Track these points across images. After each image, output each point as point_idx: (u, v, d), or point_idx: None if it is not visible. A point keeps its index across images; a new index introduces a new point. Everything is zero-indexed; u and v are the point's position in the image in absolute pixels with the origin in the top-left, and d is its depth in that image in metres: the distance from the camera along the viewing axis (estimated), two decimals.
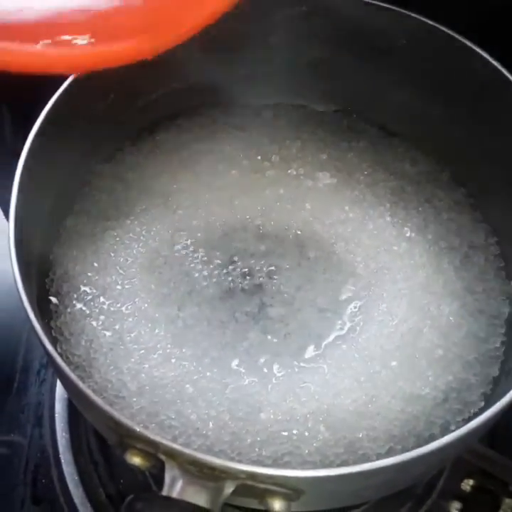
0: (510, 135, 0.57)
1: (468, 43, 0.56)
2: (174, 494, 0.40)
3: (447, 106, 0.62)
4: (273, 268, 0.59)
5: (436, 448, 0.42)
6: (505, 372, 0.55)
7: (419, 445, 0.49)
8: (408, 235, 0.60)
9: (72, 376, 0.43)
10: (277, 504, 0.41)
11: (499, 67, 0.55)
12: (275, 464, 0.50)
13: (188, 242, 0.60)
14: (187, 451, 0.40)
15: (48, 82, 0.54)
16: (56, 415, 0.67)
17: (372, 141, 0.66)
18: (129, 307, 0.56)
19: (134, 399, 0.52)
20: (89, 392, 0.43)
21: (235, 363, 0.54)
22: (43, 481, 0.65)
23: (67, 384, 0.46)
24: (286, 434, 0.51)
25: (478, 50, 0.56)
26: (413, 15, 0.57)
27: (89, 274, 0.58)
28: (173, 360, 0.54)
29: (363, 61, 0.63)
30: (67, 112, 0.55)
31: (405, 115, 0.65)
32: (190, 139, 0.66)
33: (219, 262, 0.59)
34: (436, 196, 0.63)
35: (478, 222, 0.62)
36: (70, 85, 0.55)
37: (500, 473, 0.62)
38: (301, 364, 0.54)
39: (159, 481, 0.41)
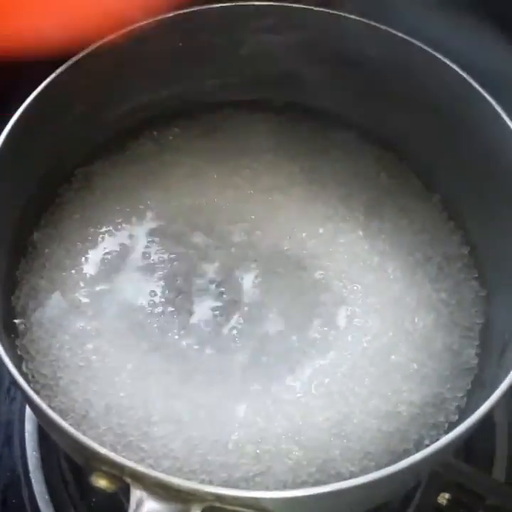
0: (481, 146, 0.57)
1: (441, 57, 0.55)
2: None
3: (420, 117, 0.62)
4: (241, 283, 0.57)
5: (410, 464, 0.41)
6: (478, 384, 0.54)
7: (394, 461, 0.49)
8: (381, 248, 0.59)
9: (36, 398, 0.42)
10: None
11: (469, 80, 0.54)
12: (247, 484, 0.49)
13: (158, 256, 0.59)
14: (152, 473, 0.39)
15: (12, 95, 0.53)
16: (26, 434, 0.66)
17: (345, 151, 0.65)
18: (97, 326, 0.55)
19: (101, 419, 0.51)
20: (53, 414, 0.42)
21: (203, 382, 0.53)
22: (13, 500, 0.63)
23: (32, 406, 0.45)
24: (257, 454, 0.50)
25: (449, 63, 0.55)
26: (383, 27, 0.56)
27: (56, 291, 0.57)
28: (140, 380, 0.53)
29: (334, 72, 0.62)
30: (32, 125, 0.54)
31: (379, 125, 0.65)
32: (159, 151, 0.64)
33: (190, 275, 0.58)
34: (410, 206, 0.62)
35: (452, 233, 0.61)
36: (35, 98, 0.54)
37: (476, 486, 0.61)
38: (273, 382, 0.53)
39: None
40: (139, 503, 0.39)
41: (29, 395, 0.43)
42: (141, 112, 0.65)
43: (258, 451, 0.51)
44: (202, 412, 0.52)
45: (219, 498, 0.39)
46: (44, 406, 0.42)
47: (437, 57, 0.56)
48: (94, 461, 0.41)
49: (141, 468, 0.39)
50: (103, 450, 0.40)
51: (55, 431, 0.44)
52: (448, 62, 0.55)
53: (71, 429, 0.41)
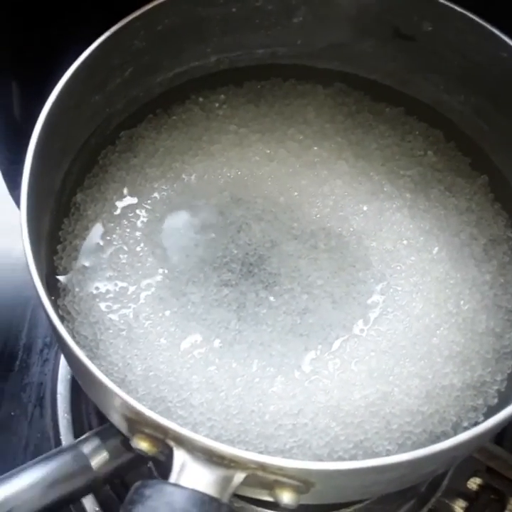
0: None
1: (496, 31, 0.54)
2: (183, 482, 0.39)
3: (470, 94, 0.61)
4: (285, 258, 0.57)
5: (450, 446, 0.41)
6: None
7: (432, 443, 0.49)
8: (427, 227, 0.58)
9: (81, 355, 0.42)
10: (286, 496, 0.40)
11: None
12: (283, 456, 0.49)
13: (200, 225, 0.58)
14: (197, 437, 0.39)
15: (58, 57, 0.52)
16: (58, 396, 0.66)
17: (393, 126, 0.63)
18: (139, 289, 0.55)
19: (140, 384, 0.51)
20: (98, 372, 0.41)
21: (245, 353, 0.53)
22: None
23: (75, 363, 0.45)
24: (294, 427, 0.50)
25: (505, 38, 0.54)
26: (441, 0, 0.55)
27: (99, 252, 0.56)
28: (181, 347, 0.53)
29: (386, 46, 0.61)
30: (80, 88, 0.54)
31: (428, 101, 0.64)
32: (205, 118, 0.63)
33: (232, 247, 0.57)
34: (457, 186, 0.61)
35: (498, 215, 0.60)
36: (87, 58, 0.53)
37: (508, 471, 0.61)
38: (312, 357, 0.53)
39: (162, 470, 0.40)
40: (183, 466, 0.39)
41: (73, 351, 0.43)
42: (188, 76, 0.64)
43: (295, 423, 0.50)
44: (240, 381, 0.52)
45: (263, 466, 0.39)
46: (89, 363, 0.42)
47: (495, 34, 0.54)
48: (137, 423, 0.41)
49: (185, 431, 0.39)
50: (148, 412, 0.40)
51: (98, 391, 0.44)
52: (506, 38, 0.54)
53: (117, 389, 0.40)
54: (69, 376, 0.66)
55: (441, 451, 0.41)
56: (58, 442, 0.64)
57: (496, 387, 0.53)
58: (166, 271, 0.56)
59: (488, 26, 0.54)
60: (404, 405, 0.51)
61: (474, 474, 0.62)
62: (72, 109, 0.54)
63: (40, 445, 0.66)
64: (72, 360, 0.45)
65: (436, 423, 0.51)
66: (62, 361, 0.67)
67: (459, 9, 0.55)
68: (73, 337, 0.53)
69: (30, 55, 0.67)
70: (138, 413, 0.40)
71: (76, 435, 0.63)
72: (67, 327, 0.53)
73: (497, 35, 0.54)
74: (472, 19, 0.54)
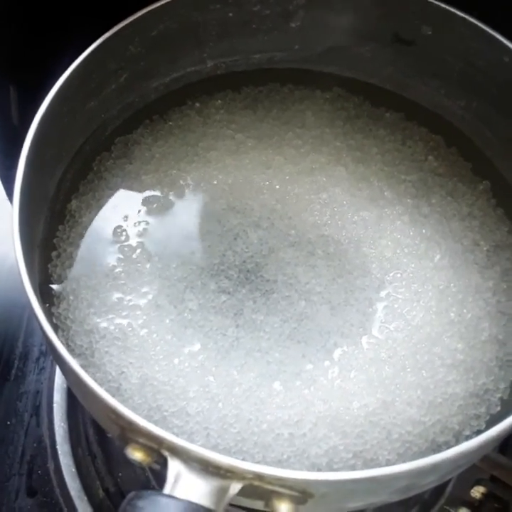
0: None
1: (498, 36, 0.53)
2: (177, 493, 0.38)
3: (472, 99, 0.60)
4: (282, 265, 0.56)
5: (452, 456, 0.40)
6: None
7: (433, 452, 0.48)
8: (428, 234, 0.57)
9: (74, 364, 0.41)
10: (284, 507, 0.39)
11: None
12: (281, 466, 0.48)
13: (196, 232, 0.57)
14: (192, 447, 0.38)
15: (56, 62, 0.52)
16: (54, 405, 0.65)
17: (393, 131, 0.62)
18: (136, 297, 0.54)
19: (135, 392, 0.50)
20: (91, 381, 0.41)
21: (242, 361, 0.52)
22: (39, 472, 0.63)
23: (68, 372, 0.44)
24: (292, 436, 0.49)
25: (507, 43, 0.53)
26: (441, 5, 0.54)
27: (93, 260, 0.56)
28: (178, 355, 0.52)
29: (385, 51, 0.60)
30: (74, 95, 0.53)
31: (428, 106, 0.63)
32: (202, 123, 0.63)
33: (229, 254, 0.57)
34: (458, 192, 0.60)
35: (500, 220, 0.59)
36: (80, 64, 0.53)
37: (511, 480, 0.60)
38: (310, 365, 0.52)
39: (160, 478, 0.39)
40: (178, 477, 0.38)
41: (67, 361, 0.42)
42: (185, 82, 0.63)
43: (293, 433, 0.49)
44: (238, 390, 0.51)
45: (260, 476, 0.38)
46: (82, 373, 0.41)
47: (497, 38, 0.54)
48: (131, 432, 0.40)
49: (180, 441, 0.38)
50: (143, 421, 0.39)
51: (92, 401, 0.43)
52: (508, 43, 0.53)
53: (111, 399, 0.40)
54: (65, 385, 0.65)
55: (443, 461, 0.40)
56: (54, 452, 0.63)
57: (498, 395, 0.52)
58: (164, 278, 0.55)
59: (490, 31, 0.53)
60: (405, 415, 0.50)
61: (478, 483, 0.61)
62: (65, 116, 0.54)
63: (37, 454, 0.65)
64: (65, 369, 0.44)
65: (438, 432, 0.50)
66: (59, 370, 0.66)
67: (460, 13, 0.54)
68: (68, 345, 0.52)
69: (29, 59, 0.67)
70: (131, 423, 0.39)
71: (72, 445, 0.63)
72: (61, 336, 0.53)
73: (499, 40, 0.53)
74: (474, 24, 0.53)
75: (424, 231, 0.58)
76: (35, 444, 0.65)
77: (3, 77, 0.66)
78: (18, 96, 0.71)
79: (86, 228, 0.57)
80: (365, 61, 0.63)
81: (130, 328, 0.53)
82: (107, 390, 0.48)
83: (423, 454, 0.50)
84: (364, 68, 0.63)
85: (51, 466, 0.62)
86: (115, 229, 0.57)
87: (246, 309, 0.54)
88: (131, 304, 0.54)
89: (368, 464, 0.49)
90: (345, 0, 0.57)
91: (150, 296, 0.54)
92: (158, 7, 0.55)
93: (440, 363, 0.52)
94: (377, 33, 0.60)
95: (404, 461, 0.45)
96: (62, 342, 0.49)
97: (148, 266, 0.55)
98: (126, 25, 0.54)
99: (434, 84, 0.61)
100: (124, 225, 0.57)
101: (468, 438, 0.50)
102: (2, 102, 0.69)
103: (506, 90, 0.56)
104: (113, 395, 0.48)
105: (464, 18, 0.54)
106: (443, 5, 0.55)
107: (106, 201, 0.59)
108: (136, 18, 0.54)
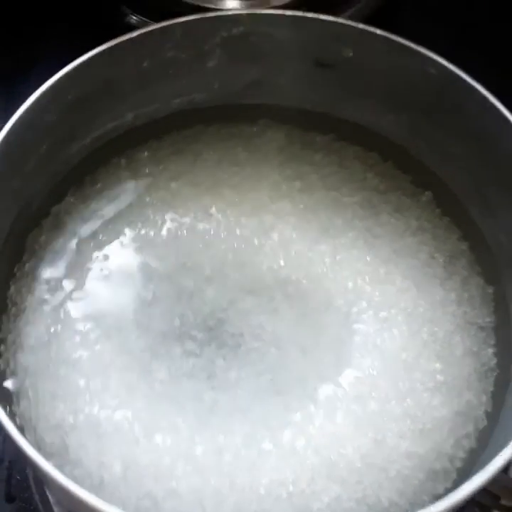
0: (469, 139, 0.55)
1: (421, 49, 0.53)
2: None
3: (400, 112, 0.59)
4: (244, 315, 0.54)
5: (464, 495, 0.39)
6: (501, 386, 0.53)
7: (432, 481, 0.47)
8: (384, 256, 0.56)
9: (60, 478, 0.39)
10: None
11: (457, 71, 0.52)
12: None
13: (150, 294, 0.55)
14: None
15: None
16: None
17: (327, 154, 0.61)
18: (102, 378, 0.51)
19: (120, 482, 0.47)
20: (67, 482, 0.38)
21: (225, 425, 0.50)
22: (18, 477, 0.59)
23: (46, 478, 0.41)
24: (292, 494, 0.47)
25: (431, 54, 0.53)
26: (359, 25, 0.53)
27: (47, 346, 0.52)
28: (157, 431, 0.49)
29: (307, 77, 0.59)
30: None
31: (358, 123, 0.62)
32: (132, 179, 0.60)
33: (188, 314, 0.54)
34: (403, 206, 0.59)
35: (449, 229, 0.59)
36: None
37: (491, 485, 0.59)
38: (295, 415, 0.50)
39: None
40: None
41: (52, 475, 0.39)
42: (106, 139, 0.60)
43: (292, 491, 0.48)
44: (227, 457, 0.49)
45: None
46: (71, 486, 0.38)
47: (420, 52, 0.53)
48: None
49: None
50: None
51: (76, 505, 0.40)
52: (432, 54, 0.53)
53: (91, 499, 0.37)
54: None
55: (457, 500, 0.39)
56: None
57: (483, 409, 0.52)
58: (127, 353, 0.52)
59: (413, 45, 0.52)
60: (399, 449, 0.49)
61: None
62: None
63: (16, 460, 0.60)
64: (42, 475, 0.41)
65: (434, 459, 0.50)
66: None
67: (379, 32, 0.53)
68: (38, 447, 0.49)
69: None
70: None
71: None
72: (29, 437, 0.49)
73: (422, 53, 0.52)
74: (396, 40, 0.52)
75: (380, 253, 0.57)
76: (14, 450, 0.61)
77: None
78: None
79: (31, 313, 0.54)
80: (287, 89, 0.61)
81: (102, 413, 0.50)
82: (89, 488, 0.46)
83: (423, 485, 0.49)
84: (288, 96, 0.61)
85: (30, 472, 0.58)
86: (56, 310, 0.53)
87: (217, 369, 0.52)
88: (98, 387, 0.51)
89: (372, 509, 0.47)
90: (261, 33, 0.55)
91: (116, 375, 0.51)
92: (71, 71, 0.52)
93: (423, 388, 0.51)
94: (297, 62, 0.58)
95: (406, 498, 0.45)
96: (32, 444, 0.47)
97: (108, 344, 0.52)
98: (41, 95, 0.51)
99: (362, 103, 0.60)
100: (71, 304, 0.54)
101: (463, 460, 0.50)
102: None
103: (435, 101, 0.56)
104: (96, 492, 0.46)
105: (385, 36, 0.53)
106: (361, 25, 0.54)
107: (47, 280, 0.55)
108: (50, 86, 0.51)
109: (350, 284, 0.55)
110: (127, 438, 0.49)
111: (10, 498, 0.58)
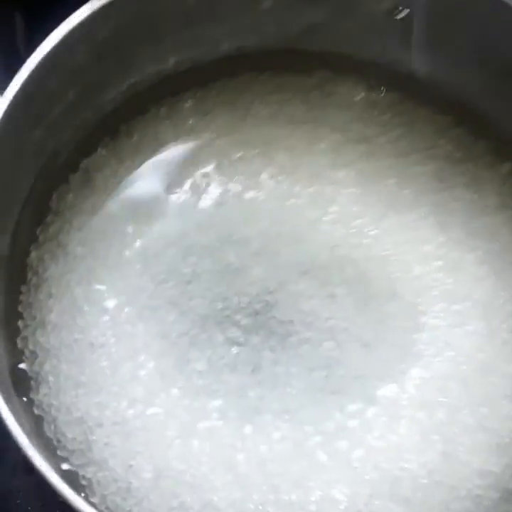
0: None
1: None
2: None
3: (483, 72, 0.50)
4: (295, 300, 0.47)
5: None
6: None
7: (505, 501, 0.42)
8: (460, 237, 0.49)
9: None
10: None
11: None
12: None
13: (190, 270, 0.48)
14: None
15: None
16: None
17: (394, 114, 0.53)
18: (133, 367, 0.45)
19: (150, 490, 0.42)
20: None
21: (271, 428, 0.44)
22: None
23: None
24: None
25: None
26: None
27: (71, 325, 0.46)
28: (194, 434, 0.43)
29: (376, 24, 0.51)
30: (16, 126, 0.42)
31: (428, 82, 0.53)
32: (173, 132, 0.52)
33: (231, 295, 0.48)
34: (482, 177, 0.51)
35: None
36: (18, 90, 0.42)
37: None
38: (352, 420, 0.44)
39: None
40: None
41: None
42: (145, 86, 0.52)
43: (347, 508, 0.42)
44: (272, 467, 0.43)
45: None
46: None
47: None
48: None
49: None
50: None
51: None
52: None
53: None
54: None
55: None
56: None
57: None
58: (162, 337, 0.46)
59: None
60: (472, 466, 0.43)
61: None
62: (13, 150, 0.43)
63: None
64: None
65: (509, 478, 0.43)
66: None
67: None
68: (58, 441, 0.43)
69: None
70: None
71: None
72: (48, 429, 0.43)
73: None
74: None
75: (454, 235, 0.49)
76: None
77: (7, 3, 0.59)
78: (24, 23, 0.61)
79: (55, 285, 0.47)
80: (353, 36, 0.52)
81: (131, 409, 0.44)
82: (115, 493, 0.40)
83: (497, 506, 0.43)
84: (353, 44, 0.53)
85: None
86: (90, 283, 0.47)
87: (264, 361, 0.46)
88: (127, 376, 0.44)
89: None
90: None
91: (150, 364, 0.45)
92: (106, 4, 0.44)
93: (501, 395, 0.45)
94: (367, 3, 0.50)
95: None
96: (50, 438, 0.41)
97: (140, 326, 0.46)
98: (68, 33, 0.43)
99: (435, 56, 0.51)
100: (98, 280, 0.47)
101: None
102: (7, 29, 0.60)
103: None
104: (124, 496, 0.40)
105: None
106: None
107: (74, 247, 0.48)
108: (80, 22, 0.43)
109: (417, 269, 0.48)
110: (160, 439, 0.43)
111: (29, 470, 0.53)
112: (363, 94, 0.54)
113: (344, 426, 0.44)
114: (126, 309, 0.46)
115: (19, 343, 0.45)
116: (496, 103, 0.52)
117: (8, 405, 0.36)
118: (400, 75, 0.53)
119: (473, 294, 0.47)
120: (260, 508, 0.41)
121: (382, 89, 0.54)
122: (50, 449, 0.42)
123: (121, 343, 0.45)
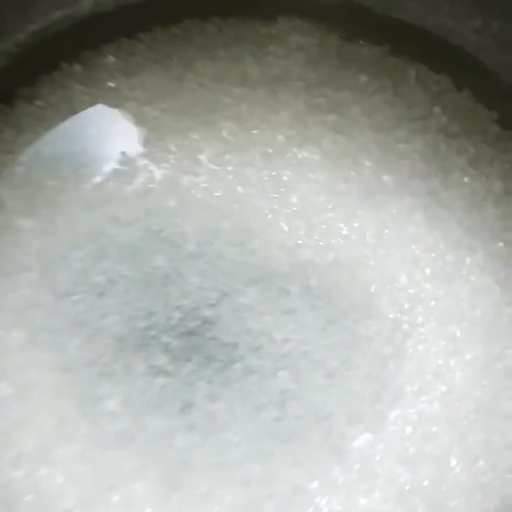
0: None
1: None
2: None
3: (491, 16, 0.42)
4: (242, 316, 0.39)
5: None
6: None
7: None
8: (456, 236, 0.41)
9: None
10: None
11: None
12: None
13: (105, 277, 0.39)
14: None
15: None
16: None
17: (376, 73, 0.44)
18: (17, 406, 0.36)
19: None
20: None
21: (204, 490, 0.35)
22: None
23: None
24: None
25: None
26: None
27: None
28: (99, 504, 0.34)
29: None
30: None
31: (424, 30, 0.44)
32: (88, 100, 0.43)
33: (158, 310, 0.39)
34: (485, 155, 0.43)
35: None
36: None
37: None
38: (312, 481, 0.35)
39: None
40: None
41: None
42: (51, 34, 0.43)
43: None
44: None
45: None
46: None
47: None
48: None
49: None
50: None
51: None
52: None
53: None
54: None
55: None
56: None
57: None
58: (63, 369, 0.37)
59: None
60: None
61: None
62: None
63: None
64: None
65: None
66: None
67: None
68: None
69: None
70: None
71: None
72: None
73: None
74: None
75: (448, 232, 0.41)
76: None
77: None
78: None
79: None
80: None
81: (18, 469, 0.35)
82: None
83: None
84: None
85: None
86: None
87: (197, 397, 0.37)
88: (14, 423, 0.36)
89: None
90: None
91: (43, 404, 0.36)
92: None
93: (502, 444, 0.37)
94: None
95: None
96: None
97: (33, 353, 0.37)
98: None
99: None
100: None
101: None
102: None
103: None
104: None
105: None
106: None
107: None
108: None
109: (402, 278, 0.40)
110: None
111: None
112: (335, 46, 0.45)
113: (303, 487, 0.35)
114: (14, 333, 0.37)
115: None
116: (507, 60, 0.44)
117: None
118: (386, 23, 0.45)
119: (471, 311, 0.40)
120: None
121: (360, 41, 0.45)
122: None
123: (7, 379, 0.36)
